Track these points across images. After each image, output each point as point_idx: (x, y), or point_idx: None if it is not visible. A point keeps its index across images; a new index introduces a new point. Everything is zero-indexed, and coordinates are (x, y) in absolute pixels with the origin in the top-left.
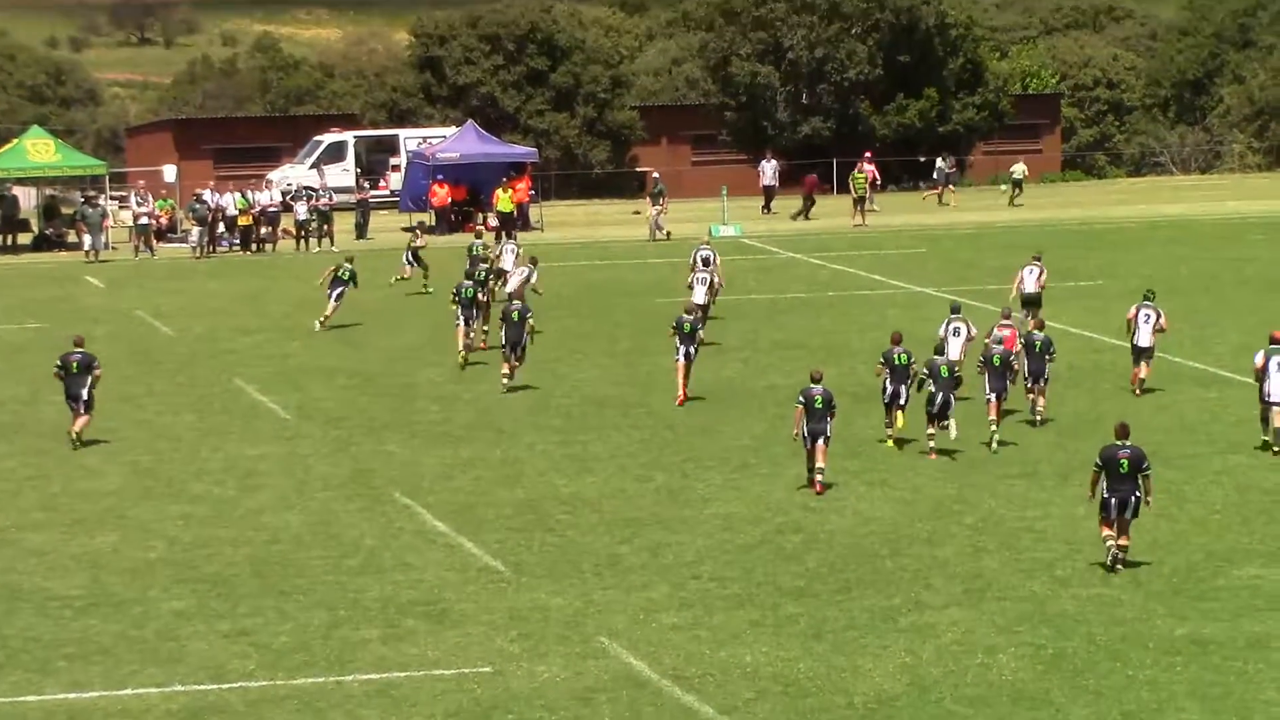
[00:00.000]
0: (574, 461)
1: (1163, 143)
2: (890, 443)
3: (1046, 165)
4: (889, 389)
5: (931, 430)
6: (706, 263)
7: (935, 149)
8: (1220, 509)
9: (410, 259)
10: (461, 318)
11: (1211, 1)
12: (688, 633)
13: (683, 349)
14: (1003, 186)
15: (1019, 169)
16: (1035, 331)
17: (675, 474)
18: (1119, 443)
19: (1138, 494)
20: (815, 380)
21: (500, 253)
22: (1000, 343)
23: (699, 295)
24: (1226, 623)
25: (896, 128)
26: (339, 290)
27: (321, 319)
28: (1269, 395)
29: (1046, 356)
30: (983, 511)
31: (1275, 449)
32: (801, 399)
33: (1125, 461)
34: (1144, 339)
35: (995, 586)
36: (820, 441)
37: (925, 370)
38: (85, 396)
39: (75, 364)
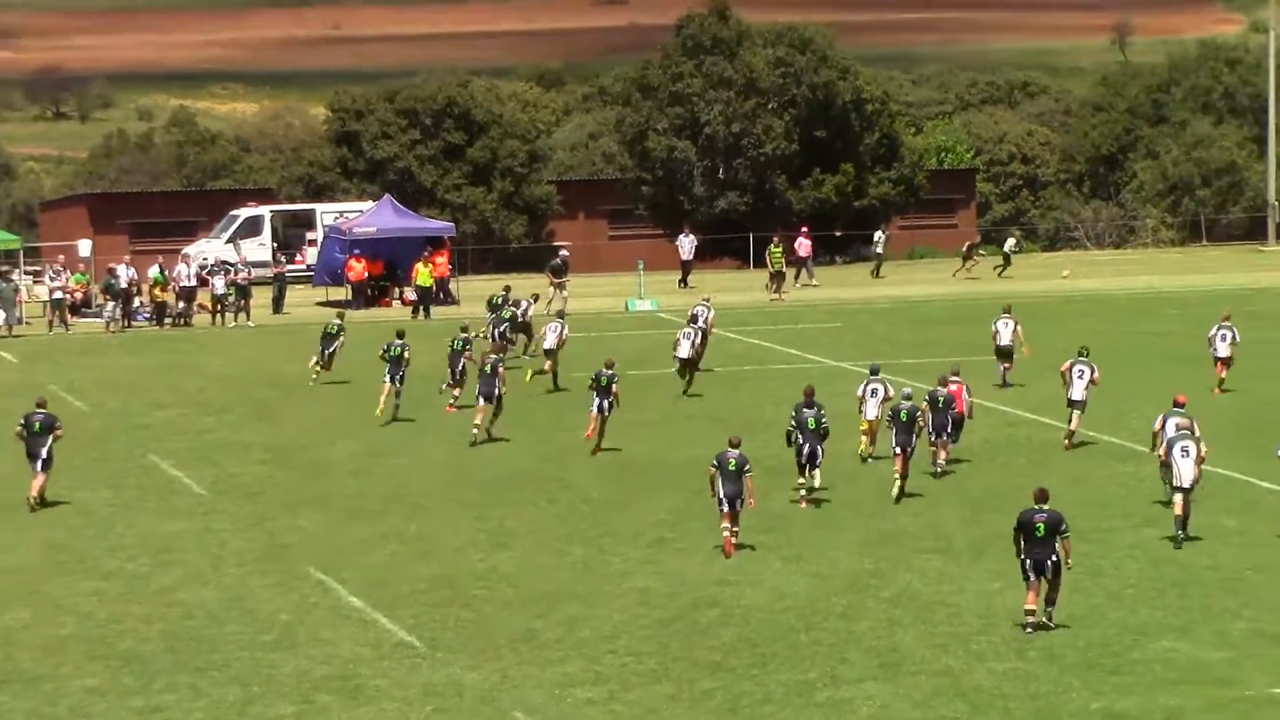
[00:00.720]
0: (490, 536)
1: (1077, 217)
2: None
3: (962, 240)
4: (806, 448)
5: (801, 479)
6: (695, 319)
7: (852, 224)
8: (1134, 583)
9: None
10: (387, 375)
11: (1125, 78)
12: (603, 707)
13: (597, 401)
14: (994, 263)
15: (1010, 243)
16: (940, 388)
17: (592, 548)
18: (1036, 506)
19: (1054, 557)
20: (733, 445)
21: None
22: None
23: (683, 350)
24: (1141, 696)
25: (813, 202)
26: (330, 347)
27: (315, 374)
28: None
29: (950, 411)
30: (898, 586)
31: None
32: (716, 462)
33: (1042, 525)
34: (1077, 393)
35: (911, 661)
36: (738, 505)
37: (794, 421)
38: (45, 455)
39: (38, 424)
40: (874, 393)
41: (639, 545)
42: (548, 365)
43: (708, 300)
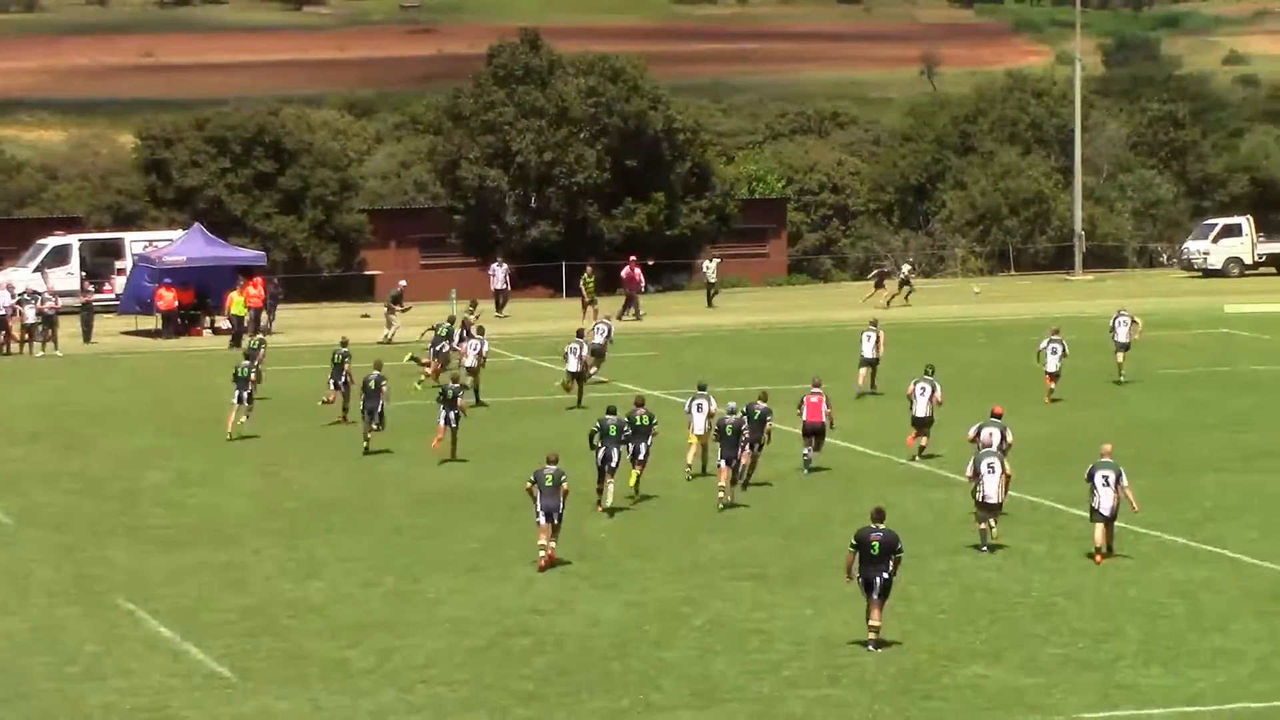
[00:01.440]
0: (300, 566)
1: (887, 246)
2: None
3: (772, 269)
4: (630, 448)
5: (600, 486)
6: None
7: (664, 253)
8: (946, 609)
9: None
10: (235, 394)
11: (933, 109)
12: None
13: (444, 414)
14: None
15: (906, 268)
16: (759, 402)
17: (404, 577)
18: (873, 525)
19: (885, 574)
20: (551, 462)
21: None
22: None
23: (571, 363)
24: None
25: (625, 231)
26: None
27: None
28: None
29: (765, 425)
30: (711, 613)
31: (985, 541)
32: (533, 478)
33: (877, 544)
34: (921, 409)
35: (724, 688)
36: (555, 519)
37: (596, 426)
38: None
39: None
40: (699, 408)
41: (452, 574)
42: (469, 382)
43: (609, 319)
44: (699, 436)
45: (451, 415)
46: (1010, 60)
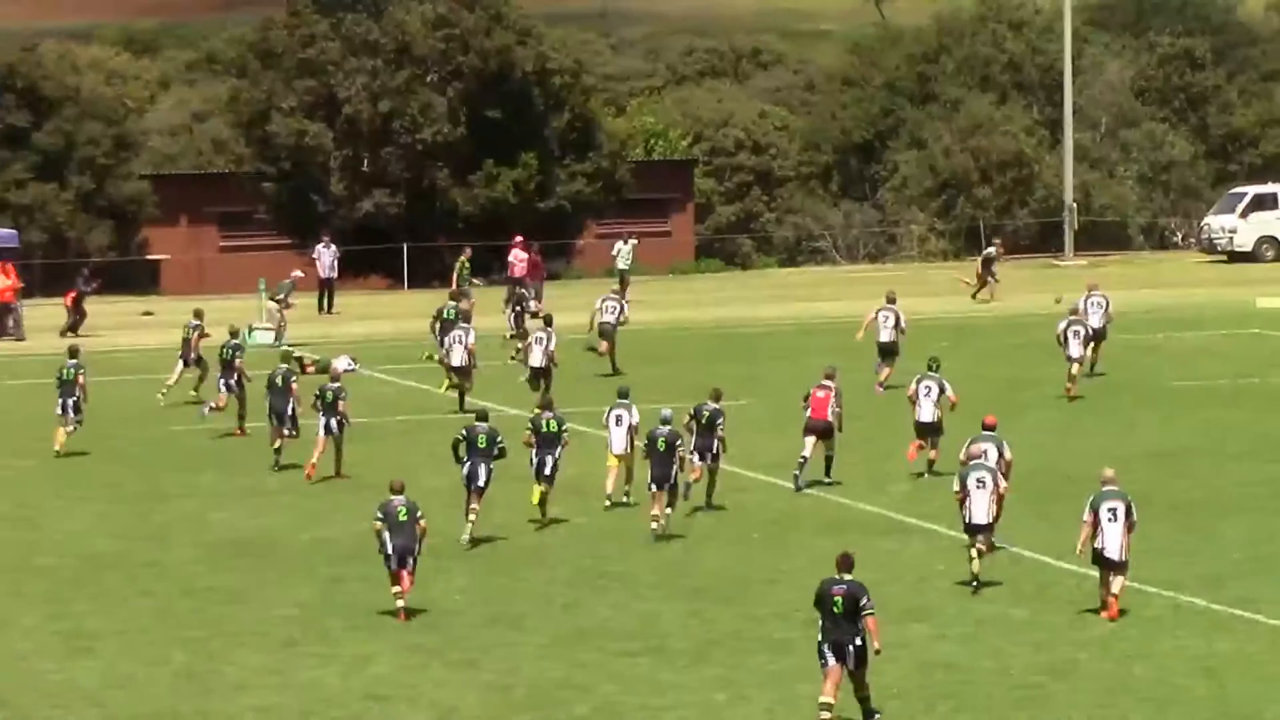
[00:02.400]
0: (65, 640)
1: (824, 224)
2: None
3: (677, 252)
4: (535, 459)
5: (474, 505)
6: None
7: (536, 230)
8: (897, 691)
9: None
10: (59, 402)
11: (883, 45)
12: None
13: (323, 421)
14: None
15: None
16: (709, 402)
17: (199, 653)
18: (836, 576)
19: (859, 639)
20: (397, 492)
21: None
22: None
23: (535, 357)
24: None
25: (484, 204)
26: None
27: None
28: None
29: (715, 430)
30: (597, 699)
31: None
32: (381, 514)
33: (840, 599)
34: (926, 414)
35: None
36: (410, 561)
37: (462, 434)
38: None
39: None
40: (618, 420)
41: (262, 649)
42: (458, 381)
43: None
44: (619, 456)
45: (332, 423)
46: None
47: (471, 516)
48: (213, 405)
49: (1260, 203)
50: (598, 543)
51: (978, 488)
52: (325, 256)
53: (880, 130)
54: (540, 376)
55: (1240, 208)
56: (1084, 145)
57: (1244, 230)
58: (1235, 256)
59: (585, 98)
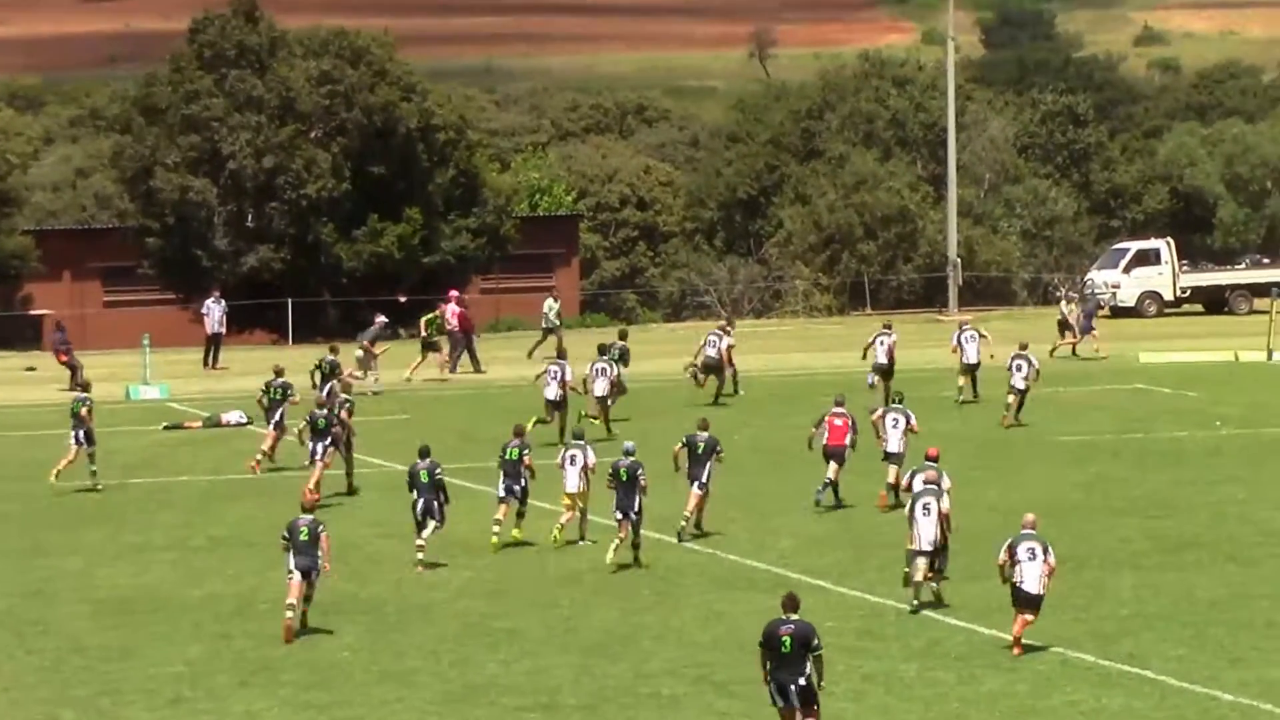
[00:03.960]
0: None
1: (709, 279)
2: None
3: (562, 307)
4: (502, 486)
5: (422, 541)
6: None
7: (421, 286)
8: None
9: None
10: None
11: (767, 101)
12: None
13: (313, 447)
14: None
15: (1064, 307)
16: (700, 432)
17: (88, 711)
18: (784, 616)
19: (803, 679)
20: (306, 510)
21: None
22: (625, 471)
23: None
24: None
25: (369, 258)
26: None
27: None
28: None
29: (712, 458)
30: None
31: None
32: (286, 533)
33: (788, 639)
34: (894, 444)
35: None
36: (313, 575)
37: (409, 474)
38: None
39: None
40: (572, 460)
41: (149, 707)
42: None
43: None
44: (572, 495)
45: (322, 447)
46: (864, 39)
47: (420, 544)
48: (264, 450)
49: (1143, 258)
50: (486, 598)
51: (924, 514)
52: (215, 311)
53: (765, 186)
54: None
55: (1123, 263)
56: (968, 201)
57: (1127, 285)
58: (1118, 312)
59: (470, 153)
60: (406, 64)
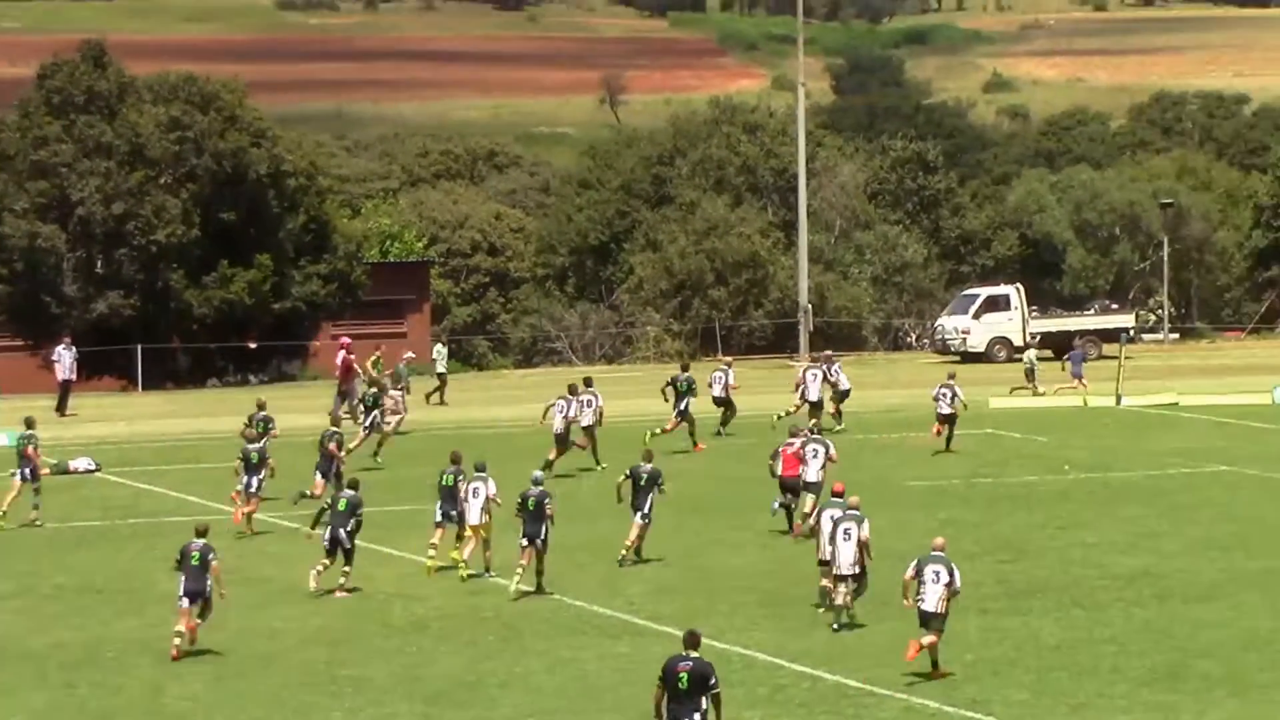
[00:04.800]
0: None
1: (560, 325)
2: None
3: (412, 351)
4: (440, 510)
5: (346, 569)
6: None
7: (271, 332)
8: None
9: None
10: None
11: (618, 147)
12: None
13: (251, 479)
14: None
15: (1031, 355)
16: (644, 464)
17: None
18: (684, 653)
19: (698, 716)
20: (200, 534)
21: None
22: (533, 501)
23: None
24: None
25: (219, 304)
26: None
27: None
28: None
29: (655, 489)
30: None
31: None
32: (180, 554)
33: (685, 675)
34: (812, 474)
35: None
36: (200, 602)
37: (326, 503)
38: None
39: None
40: (475, 493)
41: None
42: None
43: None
44: (475, 528)
45: (256, 481)
46: (715, 85)
47: (327, 576)
48: (311, 492)
49: (993, 304)
50: (331, 646)
51: (845, 539)
52: (65, 358)
53: (616, 232)
54: (587, 437)
55: (973, 309)
56: (818, 247)
57: (977, 331)
58: (968, 357)
59: (320, 199)
60: (256, 110)
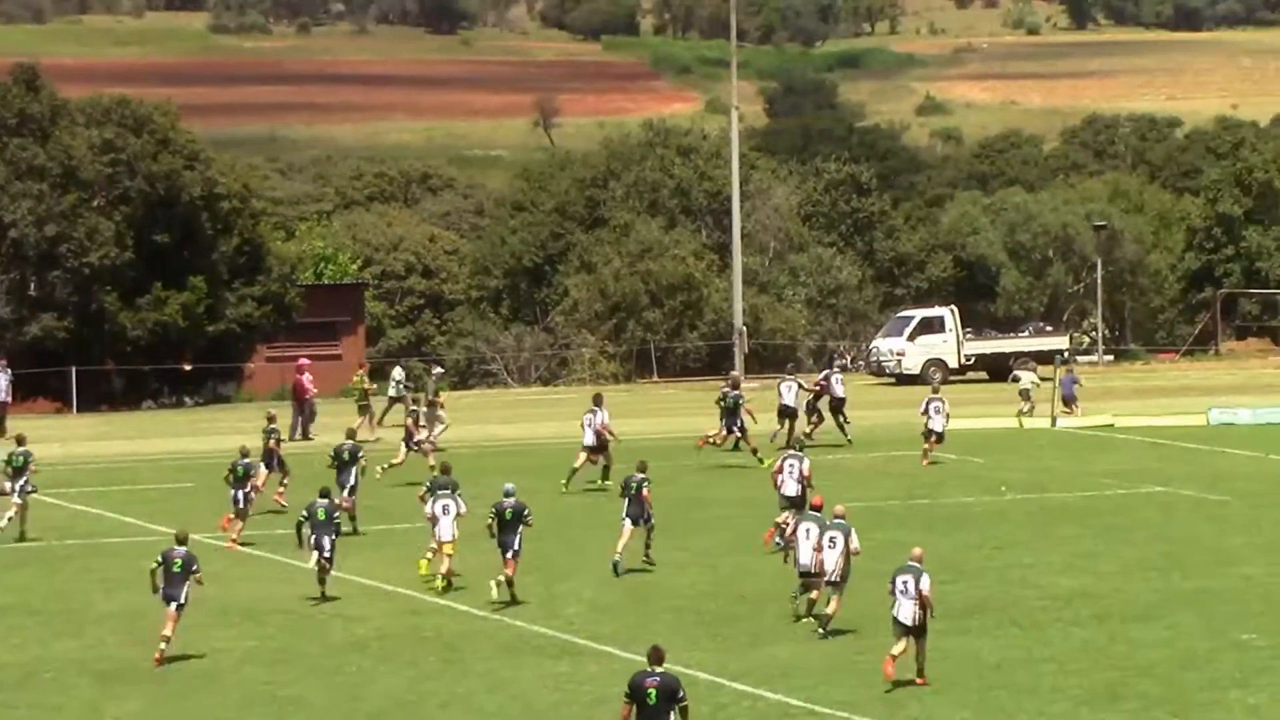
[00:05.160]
0: None
1: (495, 346)
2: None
3: (347, 375)
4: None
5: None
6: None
7: (205, 354)
8: None
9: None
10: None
11: (552, 169)
12: None
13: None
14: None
15: (1029, 377)
16: (636, 474)
17: None
18: (650, 669)
19: None
20: (180, 542)
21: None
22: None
23: (588, 437)
24: None
25: (153, 326)
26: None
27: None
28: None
29: (643, 494)
30: None
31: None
32: (159, 559)
33: (654, 691)
34: (790, 489)
35: None
36: (176, 606)
37: (304, 513)
38: None
39: None
40: (445, 510)
41: None
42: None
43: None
44: (446, 544)
45: (239, 495)
46: (649, 108)
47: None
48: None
49: (927, 326)
50: (270, 666)
51: (830, 546)
52: (0, 380)
53: (550, 254)
54: (595, 452)
55: (908, 331)
56: (753, 269)
57: (912, 353)
58: (903, 379)
59: (254, 222)
60: (189, 132)
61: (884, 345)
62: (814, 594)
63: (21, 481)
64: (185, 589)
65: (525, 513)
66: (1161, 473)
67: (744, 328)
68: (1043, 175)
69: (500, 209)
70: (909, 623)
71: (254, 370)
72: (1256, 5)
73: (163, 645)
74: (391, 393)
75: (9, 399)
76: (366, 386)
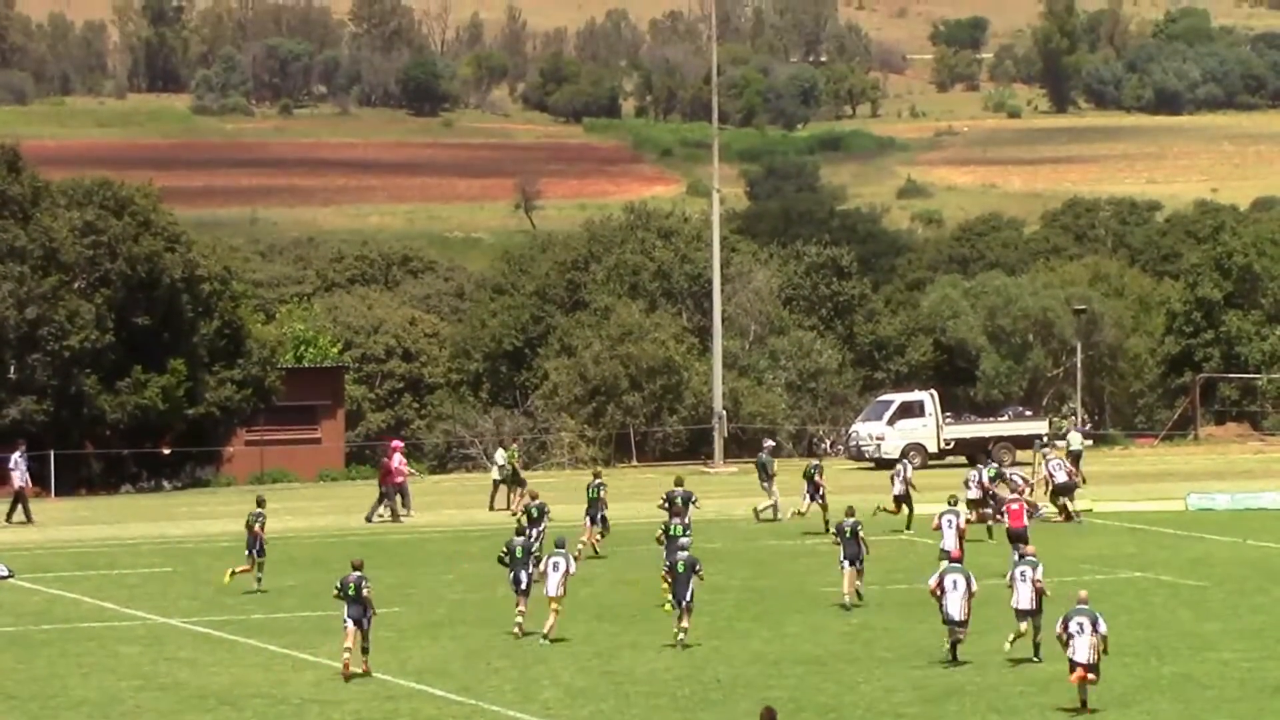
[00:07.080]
0: None
1: (474, 430)
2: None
3: (327, 459)
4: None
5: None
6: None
7: (186, 438)
8: None
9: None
10: None
11: (533, 252)
12: None
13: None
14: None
15: (1076, 438)
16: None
17: None
18: None
19: None
20: (355, 566)
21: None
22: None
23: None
24: None
25: (133, 410)
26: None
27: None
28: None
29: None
30: None
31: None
32: (339, 586)
33: None
34: (950, 544)
35: None
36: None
37: (504, 549)
38: None
39: None
40: (555, 566)
41: None
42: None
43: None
44: (553, 599)
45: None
46: (630, 191)
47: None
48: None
49: (907, 410)
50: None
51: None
52: (22, 465)
53: (530, 337)
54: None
55: (888, 415)
56: (733, 353)
57: (891, 437)
58: (883, 463)
59: (234, 304)
60: (171, 215)
61: (864, 429)
62: (1022, 626)
63: None
64: (366, 609)
65: (697, 566)
66: (1139, 558)
67: (724, 411)
68: (1023, 258)
69: (481, 291)
70: (1084, 660)
71: (233, 454)
72: (1236, 89)
73: (345, 655)
74: (496, 476)
75: (27, 484)
76: (515, 462)
